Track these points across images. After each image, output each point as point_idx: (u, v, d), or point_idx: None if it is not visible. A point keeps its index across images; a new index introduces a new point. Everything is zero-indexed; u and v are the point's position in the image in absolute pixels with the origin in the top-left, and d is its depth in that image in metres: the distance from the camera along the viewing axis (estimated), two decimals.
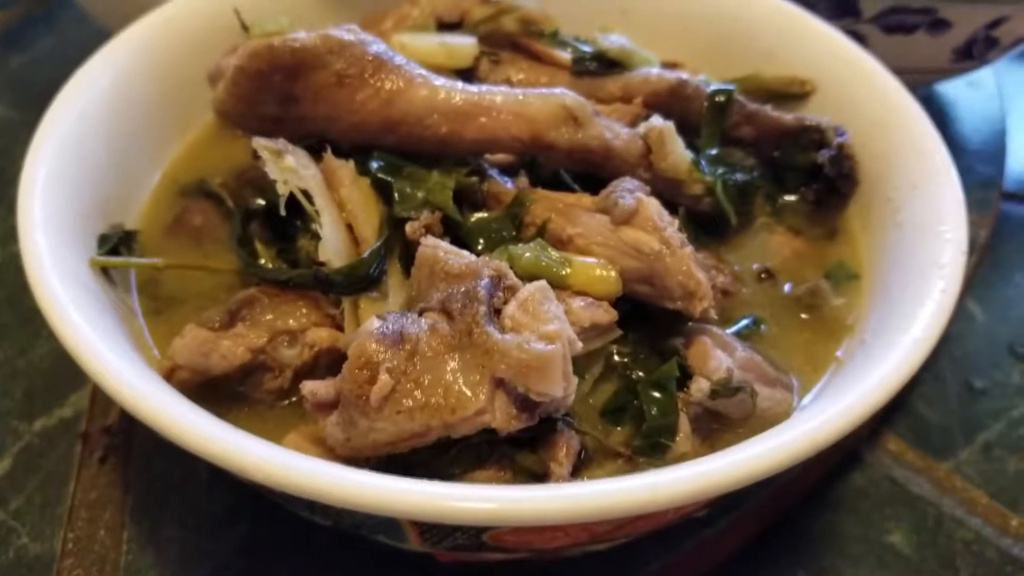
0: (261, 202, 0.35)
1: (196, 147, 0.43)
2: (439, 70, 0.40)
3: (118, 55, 0.41)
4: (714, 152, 0.40)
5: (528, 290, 0.28)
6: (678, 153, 0.36)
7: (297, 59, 0.33)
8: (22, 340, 0.46)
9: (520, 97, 0.36)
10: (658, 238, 0.31)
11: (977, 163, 0.65)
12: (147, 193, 0.41)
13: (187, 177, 0.42)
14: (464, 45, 0.41)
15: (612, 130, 0.37)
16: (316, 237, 0.33)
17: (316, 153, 0.37)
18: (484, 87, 0.36)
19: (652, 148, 0.36)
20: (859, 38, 0.56)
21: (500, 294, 0.28)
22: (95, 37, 0.62)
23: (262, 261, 0.35)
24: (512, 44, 0.45)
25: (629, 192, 0.33)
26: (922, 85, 0.65)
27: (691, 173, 0.37)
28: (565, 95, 0.36)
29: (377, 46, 0.35)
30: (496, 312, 0.28)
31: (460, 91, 0.35)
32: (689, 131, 0.40)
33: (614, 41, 0.43)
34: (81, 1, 0.58)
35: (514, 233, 0.35)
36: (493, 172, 0.37)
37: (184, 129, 0.44)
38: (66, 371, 0.44)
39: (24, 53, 0.68)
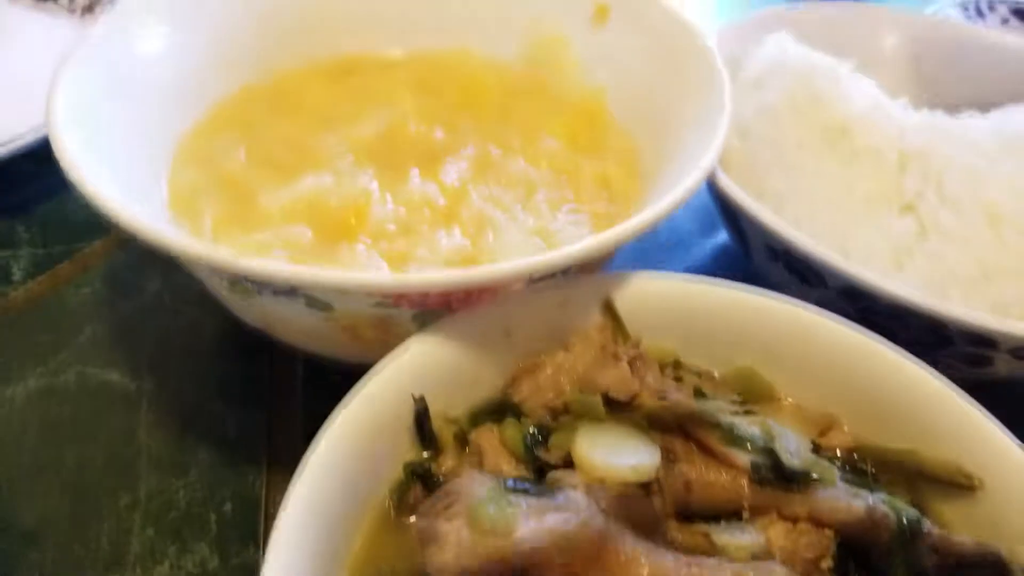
0: None
1: (371, 539, 0.43)
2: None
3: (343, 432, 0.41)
4: None
5: None
6: None
7: (528, 561, 0.33)
8: None
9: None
10: None
11: None
12: None
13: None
14: (649, 466, 0.41)
15: None
16: None
17: None
18: (704, 566, 0.36)
19: None
20: (987, 360, 0.57)
21: None
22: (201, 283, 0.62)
23: None
24: (682, 430, 0.45)
25: None
26: None
27: None
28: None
29: (599, 528, 0.34)
30: None
31: (681, 572, 0.35)
32: (876, 554, 0.41)
33: (791, 450, 0.43)
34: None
35: None
36: None
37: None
38: None
39: (127, 301, 0.65)
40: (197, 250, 0.41)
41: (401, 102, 0.70)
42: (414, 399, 0.43)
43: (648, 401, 0.44)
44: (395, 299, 0.46)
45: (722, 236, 0.81)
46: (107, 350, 0.62)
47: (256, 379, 0.61)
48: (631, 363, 0.47)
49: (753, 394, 0.51)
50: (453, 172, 0.63)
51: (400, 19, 0.76)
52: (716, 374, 0.52)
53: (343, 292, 0.44)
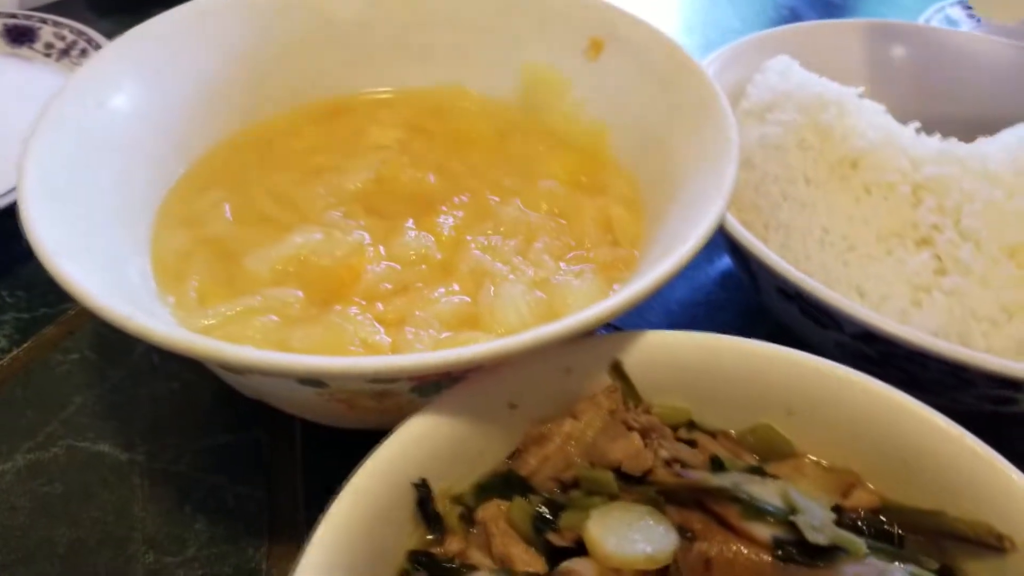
0: None
1: None
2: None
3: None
4: None
5: None
6: None
7: None
8: None
9: None
10: None
11: None
12: None
13: None
14: (666, 551, 0.39)
15: None
16: None
17: None
18: None
19: None
20: (1012, 400, 0.55)
21: None
22: None
23: None
24: (700, 504, 0.43)
25: None
26: None
27: None
28: None
29: None
30: None
31: None
32: None
33: (815, 523, 0.41)
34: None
35: None
36: None
37: None
38: None
39: (115, 366, 0.62)
40: (173, 338, 0.39)
41: (392, 146, 0.68)
42: (414, 485, 0.41)
43: (663, 476, 0.42)
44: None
45: (726, 260, 0.78)
46: (97, 420, 0.59)
47: (253, 445, 0.58)
48: (643, 432, 0.44)
49: (772, 453, 0.48)
50: (449, 220, 0.61)
51: (388, 57, 0.74)
52: (733, 432, 0.49)
53: (335, 377, 0.42)
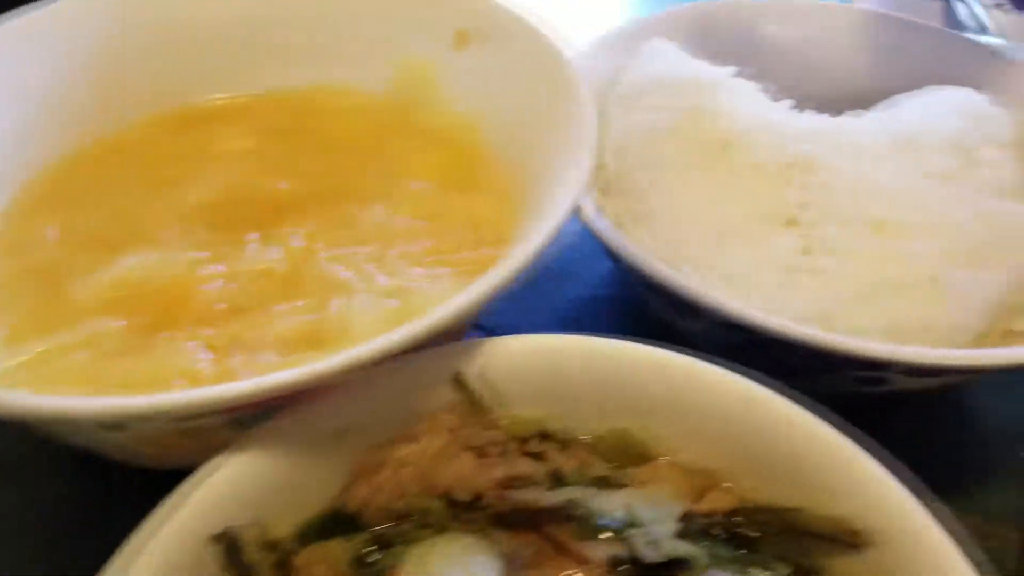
0: None
1: None
2: None
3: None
4: None
5: None
6: None
7: None
8: None
9: None
10: None
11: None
12: None
13: None
14: None
15: None
16: None
17: None
18: None
19: None
20: (881, 380, 0.53)
21: None
22: None
23: None
24: (535, 526, 0.40)
25: None
26: None
27: None
28: None
29: None
30: None
31: None
32: None
33: (654, 536, 0.38)
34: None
35: None
36: None
37: None
38: None
39: None
40: None
41: (247, 153, 0.64)
42: (214, 538, 0.37)
43: (494, 500, 0.39)
44: None
45: None
46: None
47: (85, 494, 0.53)
48: (481, 451, 0.41)
49: (628, 457, 0.45)
50: (301, 231, 0.57)
51: (246, 59, 0.69)
52: (589, 439, 0.46)
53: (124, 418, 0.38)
